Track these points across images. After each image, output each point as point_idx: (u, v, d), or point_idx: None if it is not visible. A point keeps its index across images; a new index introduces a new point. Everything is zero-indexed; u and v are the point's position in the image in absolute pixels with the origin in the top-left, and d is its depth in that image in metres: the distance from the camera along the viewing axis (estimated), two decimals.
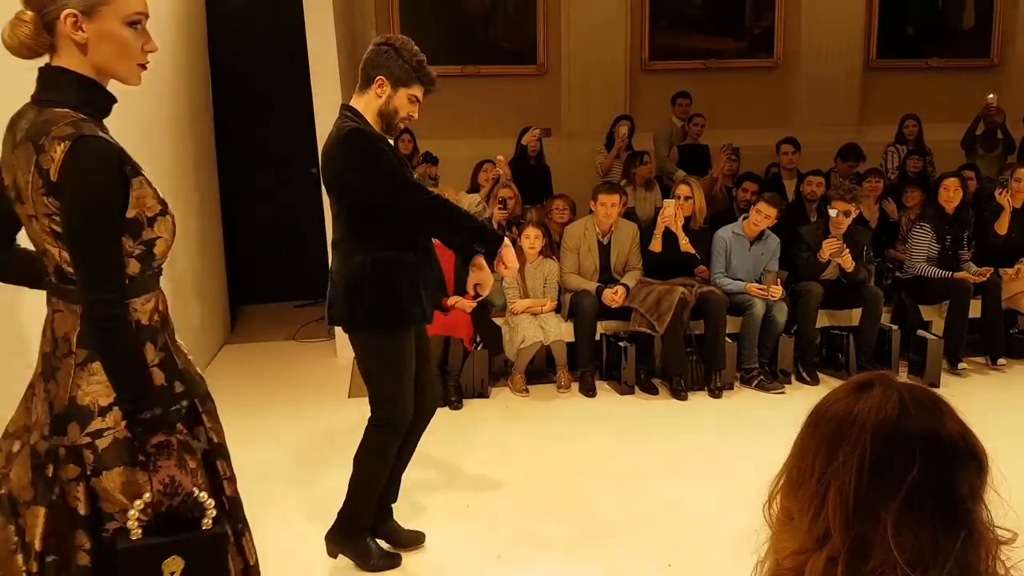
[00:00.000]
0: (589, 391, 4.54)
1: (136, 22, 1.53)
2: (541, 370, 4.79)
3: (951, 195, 4.94)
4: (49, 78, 1.52)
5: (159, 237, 1.56)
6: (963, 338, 4.83)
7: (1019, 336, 5.14)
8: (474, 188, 5.63)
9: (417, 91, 2.54)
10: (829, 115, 7.43)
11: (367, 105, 2.55)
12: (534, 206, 5.83)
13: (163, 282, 1.69)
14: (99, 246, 1.48)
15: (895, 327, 4.83)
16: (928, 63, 7.87)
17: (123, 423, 1.51)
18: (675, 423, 4.17)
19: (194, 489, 1.54)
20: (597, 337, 4.70)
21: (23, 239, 1.66)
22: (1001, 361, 4.86)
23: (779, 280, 4.67)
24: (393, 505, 2.93)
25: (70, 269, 1.50)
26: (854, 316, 4.81)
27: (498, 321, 4.62)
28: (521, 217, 5.30)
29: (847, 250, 4.63)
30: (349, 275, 2.54)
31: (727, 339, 4.57)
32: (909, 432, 0.95)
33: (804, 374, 4.73)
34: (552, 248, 4.88)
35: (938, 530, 0.92)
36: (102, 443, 1.51)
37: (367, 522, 2.78)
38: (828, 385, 4.66)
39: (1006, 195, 5.02)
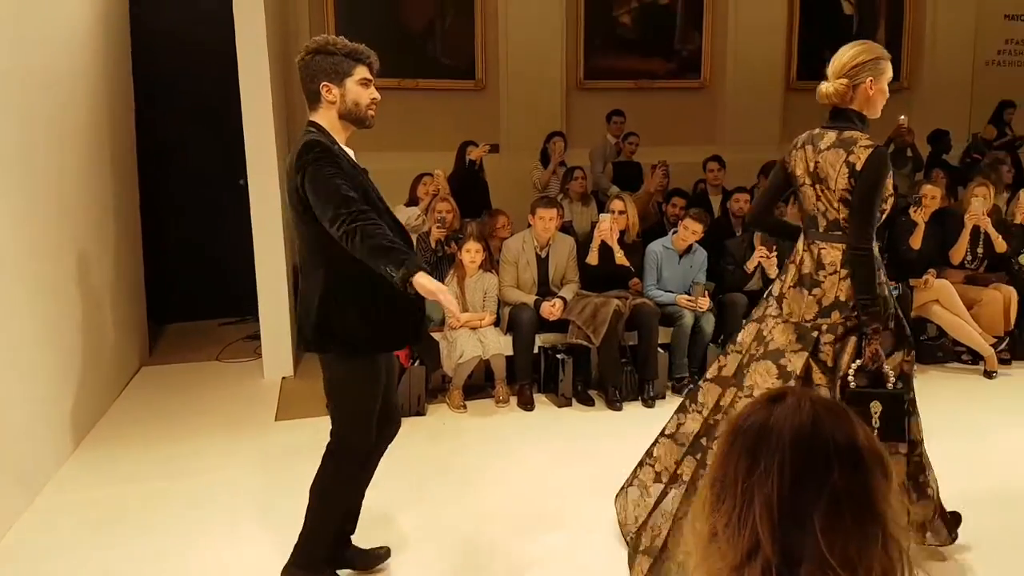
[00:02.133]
0: (527, 404, 4.61)
1: None
2: (479, 385, 4.83)
3: None
4: (839, 113, 2.59)
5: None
6: None
7: (929, 342, 5.47)
8: (412, 201, 5.68)
9: (363, 72, 2.46)
10: (752, 134, 7.77)
11: (327, 116, 2.47)
12: (473, 220, 5.90)
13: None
14: (870, 213, 2.48)
15: None
16: None
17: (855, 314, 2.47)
18: (611, 433, 4.28)
19: (884, 364, 2.46)
20: (535, 350, 4.80)
21: None
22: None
23: (706, 292, 4.88)
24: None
25: (844, 224, 2.50)
26: None
27: (435, 336, 4.66)
28: (460, 231, 5.37)
29: (773, 258, 4.87)
30: (320, 295, 2.45)
31: (659, 349, 4.74)
32: (824, 437, 0.99)
33: None
34: (491, 262, 4.97)
35: (860, 533, 0.98)
36: (850, 324, 2.51)
37: (327, 554, 2.69)
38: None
39: (920, 212, 5.36)
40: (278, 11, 5.98)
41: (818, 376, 2.52)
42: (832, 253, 2.54)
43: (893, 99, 8.15)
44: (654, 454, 2.90)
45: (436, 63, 7.31)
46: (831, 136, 2.53)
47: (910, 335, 2.72)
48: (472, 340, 4.57)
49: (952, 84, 8.40)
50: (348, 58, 2.44)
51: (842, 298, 2.51)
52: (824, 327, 2.52)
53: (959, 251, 5.40)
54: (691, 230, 4.85)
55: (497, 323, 4.80)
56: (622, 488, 3.01)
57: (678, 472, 2.74)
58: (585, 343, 4.61)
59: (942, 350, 5.42)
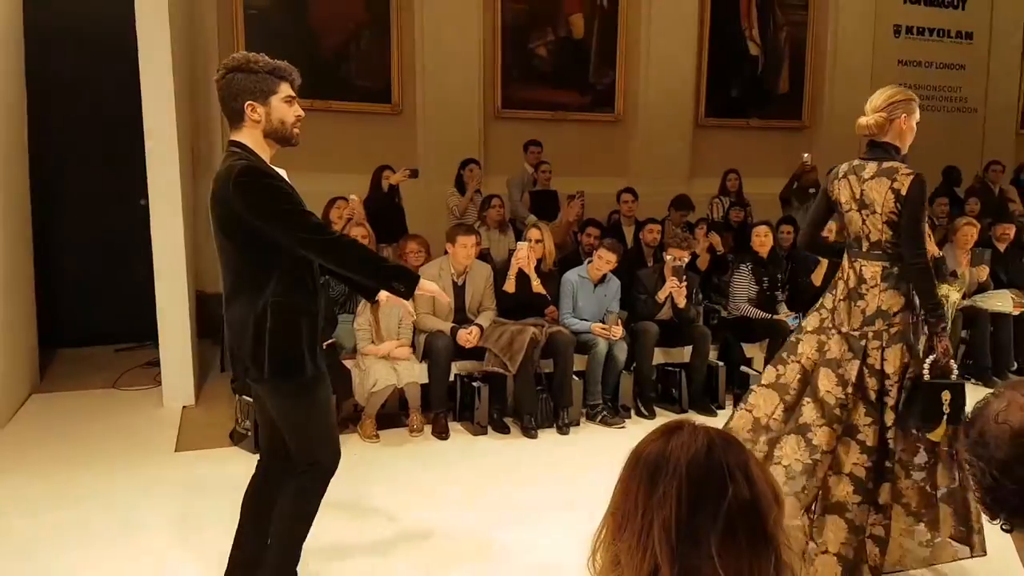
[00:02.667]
0: (442, 433, 4.55)
1: None
2: (393, 414, 4.74)
3: (763, 240, 5.47)
4: (877, 145, 2.89)
5: None
6: None
7: None
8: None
9: (287, 89, 2.42)
10: (663, 167, 8.02)
11: (251, 135, 2.41)
12: (388, 245, 5.83)
13: None
14: (918, 230, 2.77)
15: (721, 364, 5.24)
16: (748, 123, 8.74)
17: (905, 320, 2.82)
18: (527, 461, 4.27)
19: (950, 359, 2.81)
20: (451, 378, 4.75)
21: None
22: None
23: (619, 320, 4.95)
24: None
25: (886, 243, 2.82)
26: (686, 353, 5.18)
27: (347, 364, 4.54)
28: None
29: (684, 288, 5.00)
30: (252, 322, 2.37)
31: (574, 376, 4.77)
32: (719, 462, 1.05)
33: (642, 408, 5.02)
34: None
35: (753, 554, 1.03)
36: (892, 330, 2.78)
37: None
38: (664, 418, 4.96)
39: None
40: (185, 28, 5.78)
41: (870, 381, 2.82)
42: (871, 269, 2.86)
43: (794, 137, 8.66)
44: None
45: (350, 85, 7.23)
46: (872, 167, 2.86)
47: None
48: (385, 368, 4.47)
49: (851, 124, 8.72)
50: (271, 75, 2.39)
51: (883, 307, 2.82)
52: (870, 334, 2.83)
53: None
54: (605, 260, 4.93)
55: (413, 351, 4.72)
56: None
57: None
58: (501, 371, 4.59)
59: None
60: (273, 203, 2.32)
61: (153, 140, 4.72)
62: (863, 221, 2.86)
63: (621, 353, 4.87)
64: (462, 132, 7.38)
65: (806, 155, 7.35)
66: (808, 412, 2.85)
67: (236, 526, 2.66)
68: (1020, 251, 6.45)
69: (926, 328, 2.81)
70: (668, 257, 5.08)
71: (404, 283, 2.44)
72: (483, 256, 5.40)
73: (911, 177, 2.77)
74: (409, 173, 6.07)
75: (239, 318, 2.42)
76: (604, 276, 5.03)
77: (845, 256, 2.98)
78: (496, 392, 4.71)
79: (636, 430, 4.73)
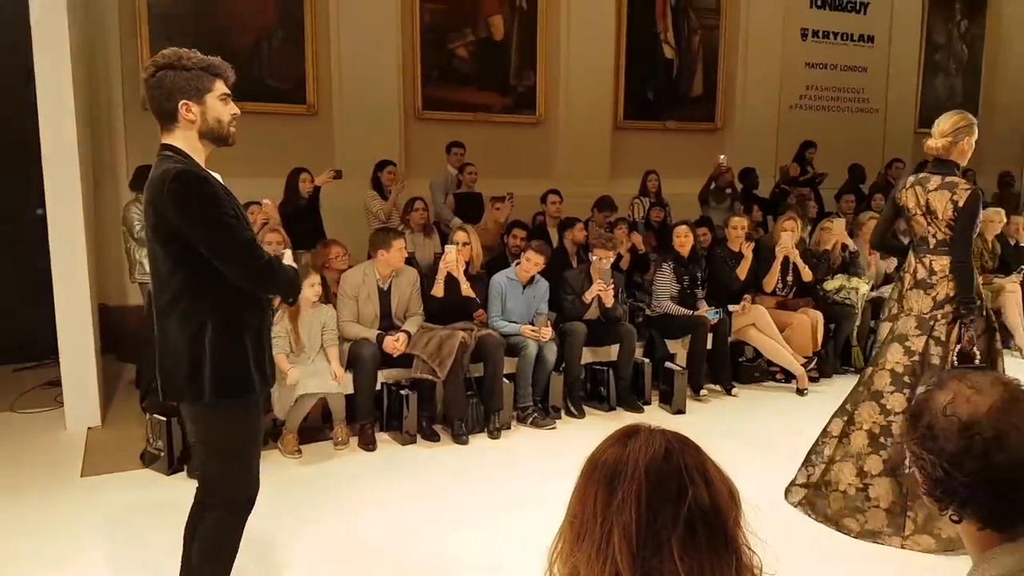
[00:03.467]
0: (369, 444, 4.41)
1: None
2: (316, 427, 4.56)
3: (683, 240, 5.57)
4: (942, 163, 3.41)
5: None
6: (703, 368, 5.42)
7: (747, 364, 5.87)
8: None
9: (221, 87, 2.31)
10: (585, 169, 8.09)
11: (185, 137, 2.28)
12: (306, 251, 5.63)
13: None
14: (968, 237, 3.33)
15: (647, 360, 5.30)
16: (665, 125, 8.91)
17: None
18: (458, 467, 4.19)
19: (976, 346, 3.25)
20: (378, 386, 4.61)
21: None
22: (735, 392, 5.51)
23: (549, 322, 4.93)
24: None
25: (949, 242, 3.35)
26: (613, 352, 5.21)
27: None
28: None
29: (611, 288, 5.02)
30: (191, 339, 2.23)
31: (504, 380, 4.71)
32: (677, 464, 1.04)
33: (572, 408, 5.01)
34: (327, 295, 4.73)
35: (714, 556, 1.01)
36: (948, 315, 3.33)
37: None
38: (592, 416, 5.00)
39: (749, 246, 5.77)
40: (84, 27, 5.44)
41: (934, 351, 3.38)
42: (940, 262, 3.41)
43: (709, 139, 8.91)
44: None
45: (263, 85, 6.98)
46: (936, 180, 3.40)
47: (996, 326, 3.54)
48: (307, 379, 4.29)
49: (760, 125, 9.23)
50: (206, 72, 2.28)
51: (951, 294, 3.38)
52: (939, 316, 3.39)
53: (771, 279, 5.86)
54: (533, 262, 4.90)
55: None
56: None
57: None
58: (431, 377, 4.49)
59: (759, 370, 5.84)
60: (212, 216, 2.19)
61: (50, 145, 4.39)
62: (928, 224, 3.43)
63: (551, 354, 4.85)
64: (381, 133, 7.23)
65: (722, 157, 7.58)
66: (879, 381, 3.46)
67: (180, 556, 2.47)
68: None
69: (982, 312, 3.39)
70: (594, 258, 5.10)
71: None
72: (408, 260, 5.27)
73: (968, 192, 3.34)
74: (334, 174, 5.91)
75: (174, 335, 2.26)
76: (533, 278, 5.00)
77: (911, 252, 3.54)
78: (425, 399, 4.61)
79: (567, 430, 4.74)
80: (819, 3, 9.59)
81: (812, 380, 5.63)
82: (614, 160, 8.50)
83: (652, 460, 1.04)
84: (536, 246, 4.98)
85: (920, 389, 2.93)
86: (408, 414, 4.50)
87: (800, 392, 5.50)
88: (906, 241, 3.73)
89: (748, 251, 5.78)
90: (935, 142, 3.41)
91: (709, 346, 5.42)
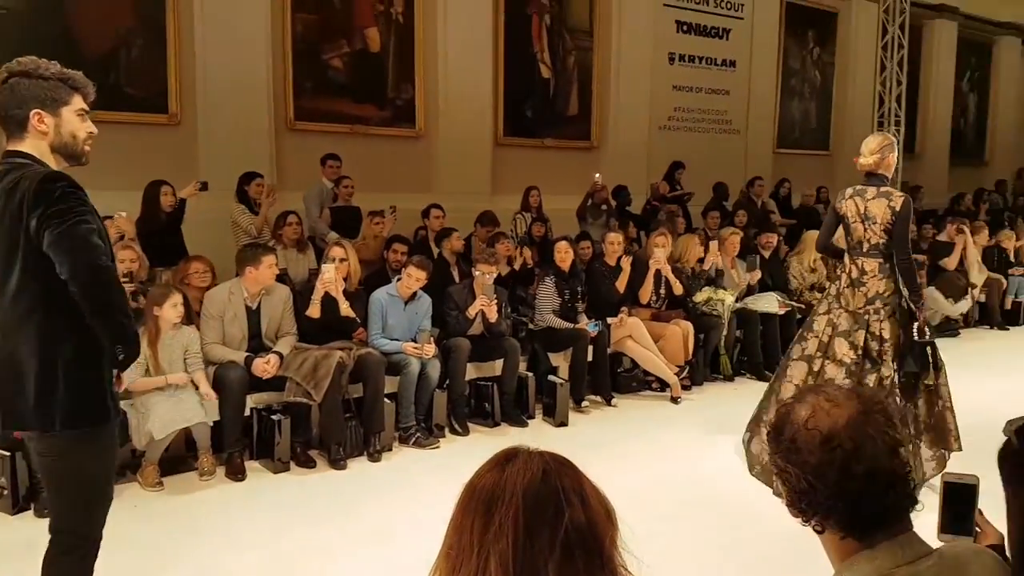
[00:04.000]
0: (238, 474, 4.14)
1: None
2: (179, 457, 4.24)
3: (563, 256, 5.65)
4: (873, 176, 3.85)
5: None
6: (584, 380, 5.49)
7: (625, 374, 5.99)
8: None
9: (80, 102, 2.20)
10: (467, 184, 8.07)
11: (35, 147, 2.14)
12: (167, 268, 5.27)
13: None
14: (906, 236, 3.80)
15: (530, 374, 5.31)
16: (544, 143, 9.06)
17: (895, 301, 3.83)
18: (335, 494, 3.99)
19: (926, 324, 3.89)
20: (247, 412, 4.34)
21: None
22: (614, 402, 5.61)
23: (432, 338, 4.84)
24: None
25: (882, 246, 3.79)
26: (497, 367, 5.18)
27: (122, 404, 3.99)
28: (149, 282, 4.73)
29: (494, 303, 4.99)
30: (45, 364, 2.06)
31: (385, 400, 4.57)
32: (555, 487, 1.03)
33: (456, 426, 4.92)
34: (190, 315, 4.42)
35: None
36: (887, 307, 3.83)
37: None
38: (477, 432, 4.93)
39: (628, 259, 5.92)
40: None
41: (872, 344, 3.85)
42: (871, 264, 3.87)
43: (585, 157, 9.14)
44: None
45: (120, 93, 6.54)
46: (872, 191, 3.87)
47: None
48: (168, 406, 3.97)
49: (633, 145, 9.56)
50: (64, 84, 2.18)
51: (880, 292, 3.85)
52: (871, 311, 3.86)
53: (646, 292, 6.03)
54: (415, 277, 4.79)
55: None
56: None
57: None
58: (305, 400, 4.28)
59: (636, 380, 5.99)
60: (76, 228, 2.04)
61: None
62: (865, 230, 3.87)
63: (434, 371, 4.75)
64: (250, 144, 6.91)
65: (597, 176, 7.81)
66: (831, 370, 3.92)
67: None
68: (781, 257, 7.22)
69: (907, 304, 3.86)
70: (477, 273, 5.05)
71: (127, 351, 2.20)
72: (280, 277, 5.03)
73: (903, 198, 3.84)
74: (199, 186, 5.60)
75: (18, 358, 2.07)
76: (415, 294, 4.89)
77: (847, 255, 4.00)
78: (299, 424, 4.37)
79: (451, 449, 4.65)
80: (685, 28, 10.09)
81: (685, 388, 5.83)
82: (495, 176, 8.54)
83: (530, 483, 1.03)
84: (417, 261, 4.87)
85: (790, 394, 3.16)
86: (280, 440, 4.26)
87: (674, 400, 5.69)
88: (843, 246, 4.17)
89: (627, 265, 5.93)
90: (866, 160, 3.88)
91: (590, 358, 5.49)
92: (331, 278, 4.51)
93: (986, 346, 7.76)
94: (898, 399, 3.83)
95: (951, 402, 3.95)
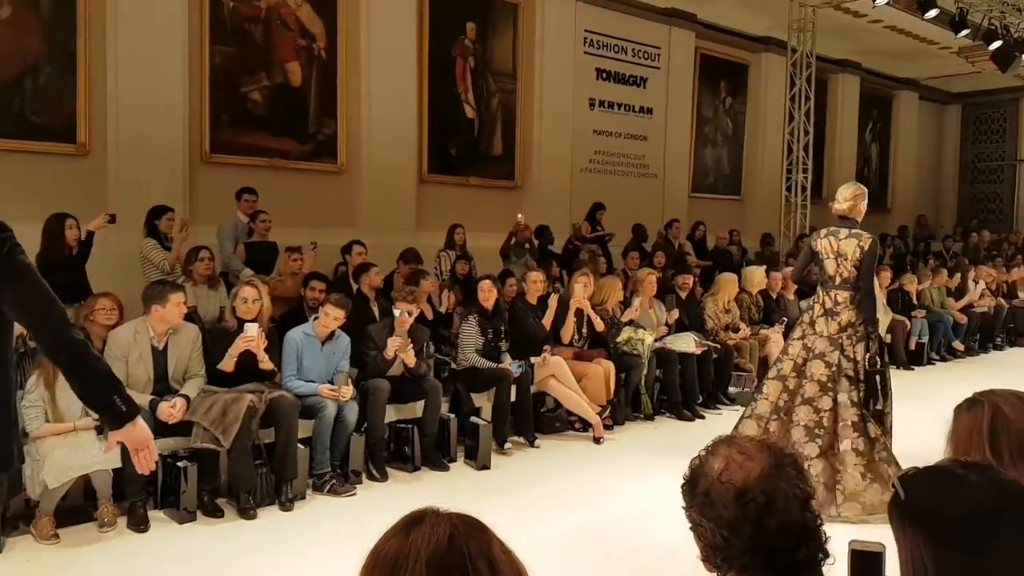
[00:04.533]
0: (141, 525, 3.91)
1: None
2: (78, 507, 3.98)
3: (487, 294, 5.64)
4: (845, 220, 4.49)
5: None
6: (507, 421, 5.44)
7: (548, 414, 5.99)
8: None
9: None
10: (390, 220, 8.01)
11: None
12: (70, 305, 4.98)
13: None
14: (871, 272, 4.54)
15: (452, 416, 5.22)
16: (468, 181, 9.10)
17: (864, 328, 4.45)
18: (244, 547, 3.80)
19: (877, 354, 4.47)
20: None
21: None
22: (537, 443, 5.57)
23: (350, 379, 4.71)
24: None
25: (851, 279, 4.40)
26: (418, 408, 5.07)
27: None
28: None
29: (411, 346, 4.90)
30: None
31: (299, 445, 4.40)
32: (461, 552, 1.00)
33: (375, 471, 4.78)
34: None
35: None
36: (858, 333, 4.41)
37: None
38: (396, 477, 4.80)
39: (555, 297, 5.94)
40: None
41: (847, 364, 4.37)
42: (842, 295, 4.45)
43: (510, 196, 9.26)
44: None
45: (25, 121, 6.26)
46: (845, 232, 4.46)
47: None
48: (65, 452, 3.73)
49: (555, 185, 9.72)
50: None
51: (852, 320, 4.42)
52: (844, 336, 4.41)
53: (567, 330, 6.07)
54: (332, 316, 4.67)
55: (100, 431, 4.00)
56: None
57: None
58: (213, 446, 4.08)
59: (559, 420, 5.98)
60: (25, 281, 1.90)
61: None
62: (837, 266, 4.45)
63: (351, 414, 4.61)
64: (162, 177, 6.69)
65: (520, 216, 7.89)
66: (810, 389, 4.40)
67: None
68: (697, 298, 7.42)
69: (867, 329, 4.42)
70: (396, 312, 4.97)
71: (113, 422, 1.99)
72: (189, 316, 4.82)
73: (871, 239, 4.46)
74: (108, 218, 5.37)
75: None
76: (333, 333, 4.76)
77: (820, 287, 4.58)
78: (206, 471, 4.17)
79: (369, 495, 4.51)
80: (604, 76, 10.40)
81: (607, 428, 5.86)
82: (419, 212, 8.51)
83: (435, 549, 1.00)
84: (335, 299, 4.75)
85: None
86: (187, 488, 4.05)
87: (597, 440, 5.70)
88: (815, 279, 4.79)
89: (554, 303, 5.97)
90: (840, 205, 4.52)
91: (513, 398, 5.46)
92: (254, 337, 4.34)
93: (893, 384, 8.03)
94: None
95: (890, 431, 4.57)
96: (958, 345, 9.64)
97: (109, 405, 1.95)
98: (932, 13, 9.40)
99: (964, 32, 10.12)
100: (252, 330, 4.35)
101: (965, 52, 12.15)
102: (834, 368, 4.39)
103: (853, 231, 4.46)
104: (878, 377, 4.37)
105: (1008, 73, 11.01)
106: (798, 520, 1.24)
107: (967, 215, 16.39)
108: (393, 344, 4.86)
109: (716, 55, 11.87)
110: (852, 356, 4.40)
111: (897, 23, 11.53)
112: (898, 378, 8.42)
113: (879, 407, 4.38)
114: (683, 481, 1.36)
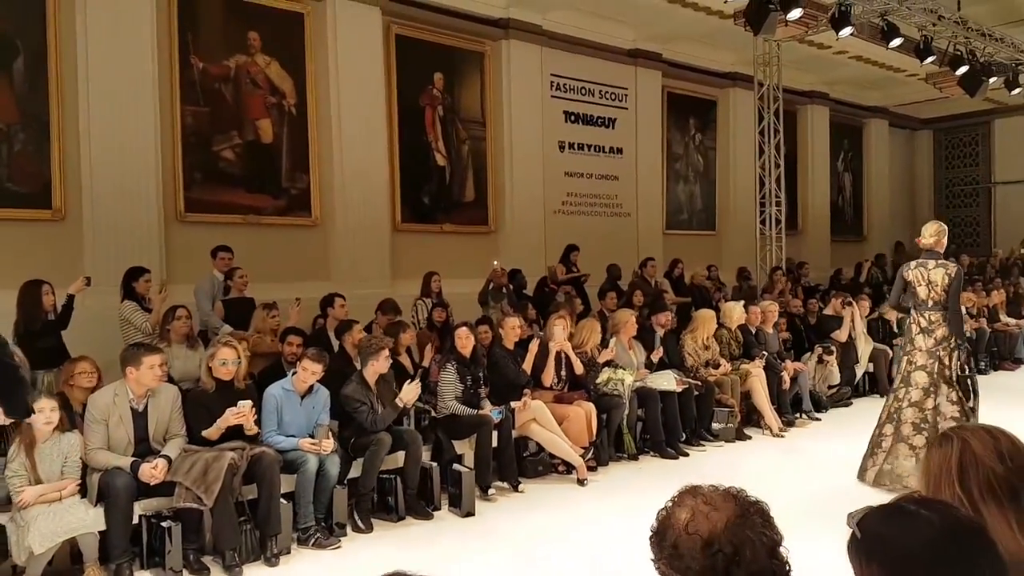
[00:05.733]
0: None
1: None
2: (66, 570, 3.94)
3: (464, 342, 5.68)
4: (932, 252, 5.31)
5: None
6: (490, 467, 5.44)
7: (531, 458, 5.99)
8: None
9: None
10: (366, 271, 8.08)
11: None
12: (47, 371, 4.98)
13: None
14: (958, 297, 5.34)
15: (434, 464, 5.21)
16: (442, 228, 9.21)
17: (955, 342, 5.35)
18: None
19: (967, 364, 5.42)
20: (135, 520, 4.08)
21: None
22: (521, 488, 5.57)
23: (331, 433, 4.72)
24: None
25: (942, 302, 5.25)
26: (400, 459, 5.06)
27: (1, 519, 3.71)
28: (31, 386, 4.44)
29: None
30: None
31: (282, 500, 4.39)
32: None
33: (360, 523, 4.76)
34: (72, 420, 4.17)
35: None
36: (951, 346, 5.28)
37: None
38: (381, 528, 4.78)
39: (536, 342, 6.00)
40: None
41: (945, 372, 5.21)
42: (935, 315, 5.29)
43: (484, 241, 9.38)
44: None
45: (1, 189, 6.29)
46: (933, 263, 5.28)
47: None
48: (50, 518, 3.70)
49: (529, 229, 9.85)
50: None
51: (945, 336, 5.26)
52: (940, 349, 5.26)
53: (548, 374, 6.12)
54: (310, 371, 4.69)
55: (84, 493, 3.98)
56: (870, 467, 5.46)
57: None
58: (196, 505, 4.06)
59: (542, 464, 5.97)
60: None
61: None
62: (929, 291, 5.27)
63: (333, 467, 4.61)
64: (138, 238, 6.75)
65: (496, 263, 7.97)
66: (915, 395, 5.28)
67: None
68: (676, 335, 7.50)
69: (957, 342, 5.29)
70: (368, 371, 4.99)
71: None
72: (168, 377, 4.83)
73: (956, 267, 5.28)
74: (85, 282, 5.42)
75: None
76: (311, 387, 4.78)
77: (914, 311, 5.39)
78: (191, 530, 4.14)
79: (354, 547, 4.50)
80: (573, 118, 10.62)
81: (590, 469, 5.85)
82: (394, 262, 8.58)
83: None
84: (312, 354, 4.78)
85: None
86: (171, 548, 4.01)
87: (581, 482, 5.68)
88: (909, 304, 5.53)
89: (534, 347, 6.02)
90: (926, 240, 5.34)
91: (495, 444, 5.47)
92: (246, 412, 4.36)
93: (878, 414, 7.82)
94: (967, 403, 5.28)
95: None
96: None
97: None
98: (896, 42, 9.35)
99: (930, 59, 9.98)
100: (245, 407, 4.36)
101: (932, 78, 12.11)
102: (934, 375, 5.25)
103: (940, 262, 5.28)
104: (969, 380, 5.29)
105: (977, 97, 10.88)
106: (766, 568, 1.24)
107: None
108: (411, 393, 4.94)
109: (683, 93, 12.06)
110: (948, 364, 5.26)
111: (862, 53, 11.69)
112: (881, 407, 8.52)
113: (970, 404, 5.24)
114: (651, 533, 1.35)
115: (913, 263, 5.41)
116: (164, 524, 4.06)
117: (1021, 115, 15.04)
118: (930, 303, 5.32)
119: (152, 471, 4.04)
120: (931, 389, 5.27)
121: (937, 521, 1.22)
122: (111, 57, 6.77)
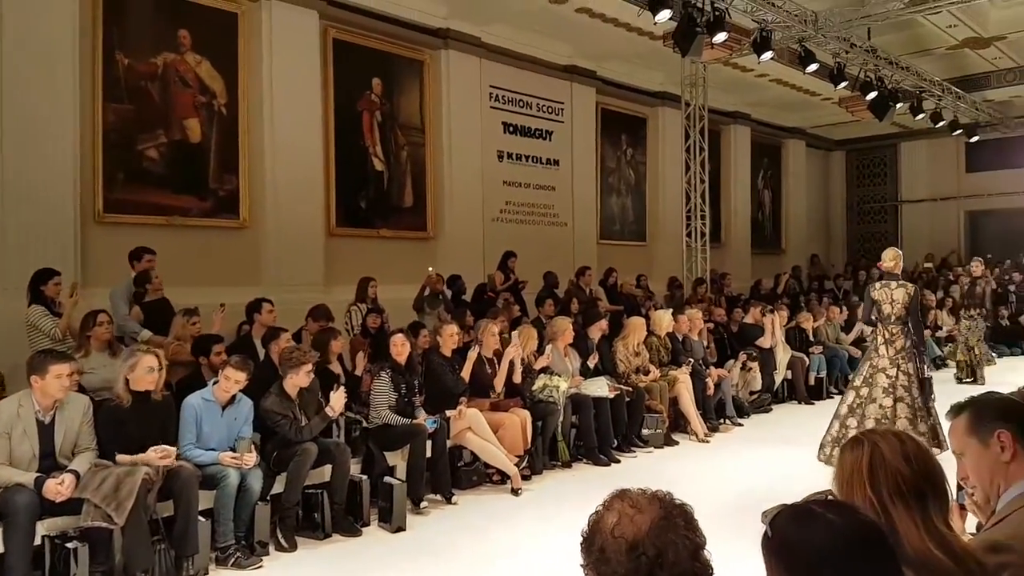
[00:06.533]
0: None
1: None
2: None
3: (399, 349, 5.55)
4: (891, 274, 6.35)
5: None
6: (423, 479, 5.32)
7: (466, 468, 5.89)
8: None
9: None
10: (298, 276, 7.86)
11: None
12: None
13: None
14: (918, 312, 6.40)
15: (364, 477, 5.05)
16: (380, 233, 9.06)
17: (913, 352, 6.34)
18: None
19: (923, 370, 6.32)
20: (38, 541, 3.81)
21: None
22: (455, 500, 5.46)
23: (253, 446, 4.51)
24: None
25: (904, 317, 6.13)
26: (326, 473, 4.87)
27: None
28: None
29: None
30: None
31: (200, 518, 4.17)
32: None
33: (283, 541, 4.56)
34: None
35: None
36: (908, 355, 6.17)
37: None
38: (306, 546, 4.60)
39: (476, 350, 5.93)
40: None
41: (903, 378, 5.94)
42: (895, 328, 6.07)
43: (422, 247, 9.28)
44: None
45: None
46: (894, 283, 6.14)
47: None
48: None
49: (468, 236, 9.81)
50: None
51: (905, 346, 6.04)
52: (900, 358, 6.01)
53: (500, 380, 6.05)
54: (233, 379, 4.48)
55: None
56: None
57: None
58: (106, 524, 3.81)
59: (476, 474, 5.88)
60: None
61: None
62: (891, 308, 6.07)
63: (256, 482, 4.40)
64: (52, 239, 6.39)
65: (431, 268, 7.89)
66: (876, 393, 5.98)
67: None
68: (609, 342, 7.55)
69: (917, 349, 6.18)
70: (287, 382, 4.81)
71: None
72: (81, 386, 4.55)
73: (914, 287, 6.22)
74: None
75: None
76: (234, 397, 4.57)
77: (880, 324, 6.14)
78: (99, 551, 3.88)
79: (276, 567, 4.30)
80: (511, 129, 10.70)
81: (525, 478, 5.81)
82: (328, 267, 8.38)
83: None
84: (235, 362, 4.56)
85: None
86: (77, 571, 3.75)
87: (515, 492, 5.63)
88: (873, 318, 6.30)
89: (474, 354, 5.94)
90: (887, 263, 6.29)
91: (428, 454, 5.35)
92: (170, 456, 4.12)
93: (797, 419, 8.20)
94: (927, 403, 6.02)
95: (938, 415, 5.96)
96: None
97: None
98: (812, 67, 10.13)
99: (843, 84, 10.90)
100: (170, 452, 4.13)
101: (845, 102, 13.16)
102: (893, 379, 6.01)
103: (900, 282, 6.20)
104: (927, 381, 6.10)
105: (885, 121, 11.88)
106: (688, 570, 1.26)
107: (856, 253, 17.48)
108: (339, 401, 4.79)
109: (616, 109, 12.43)
110: (906, 370, 6.03)
111: (782, 76, 12.39)
112: (799, 413, 8.73)
113: (930, 404, 6.02)
114: (581, 538, 1.35)
115: (878, 284, 6.26)
116: (69, 545, 3.79)
117: (925, 139, 16.17)
118: (892, 318, 6.11)
119: (58, 487, 3.77)
120: (890, 391, 6.02)
121: (839, 524, 1.27)
122: (28, 49, 6.42)
